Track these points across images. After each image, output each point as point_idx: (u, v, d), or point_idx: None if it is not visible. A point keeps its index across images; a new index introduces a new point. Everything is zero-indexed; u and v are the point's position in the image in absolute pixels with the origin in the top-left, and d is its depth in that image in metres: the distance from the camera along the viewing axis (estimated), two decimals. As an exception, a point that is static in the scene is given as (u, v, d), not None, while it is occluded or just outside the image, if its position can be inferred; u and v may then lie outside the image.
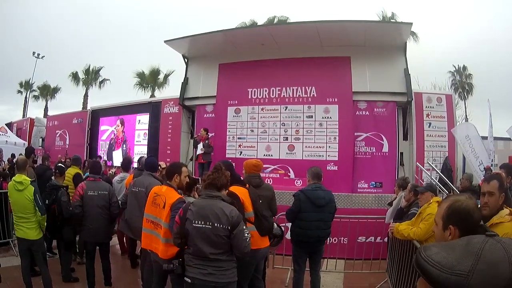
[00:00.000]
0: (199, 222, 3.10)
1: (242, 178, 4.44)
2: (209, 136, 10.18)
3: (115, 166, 12.44)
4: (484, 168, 7.93)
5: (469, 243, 1.07)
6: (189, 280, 3.16)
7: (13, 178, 4.85)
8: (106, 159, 13.60)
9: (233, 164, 4.70)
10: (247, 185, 4.28)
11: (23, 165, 5.04)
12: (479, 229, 1.66)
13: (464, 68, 29.81)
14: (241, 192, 4.05)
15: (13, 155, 12.59)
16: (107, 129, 14.21)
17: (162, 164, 5.96)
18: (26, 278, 4.83)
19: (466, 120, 25.41)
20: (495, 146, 9.65)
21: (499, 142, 12.13)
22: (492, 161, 8.28)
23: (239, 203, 3.91)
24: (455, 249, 1.06)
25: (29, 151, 7.67)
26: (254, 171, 4.49)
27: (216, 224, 3.07)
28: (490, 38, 42.45)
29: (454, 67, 29.99)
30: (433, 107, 9.61)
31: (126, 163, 7.13)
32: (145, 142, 12.64)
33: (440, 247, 1.10)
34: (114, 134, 13.94)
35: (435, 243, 1.19)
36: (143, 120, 12.92)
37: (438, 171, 8.42)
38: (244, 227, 3.19)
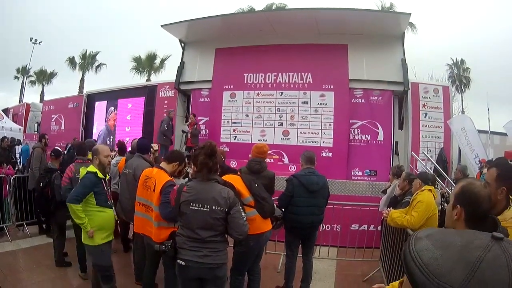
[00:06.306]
0: (197, 205, 3.06)
1: (229, 168, 4.41)
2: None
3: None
4: (479, 161, 7.93)
5: (468, 244, 0.81)
6: (183, 263, 3.11)
7: None
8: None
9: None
10: (239, 172, 4.23)
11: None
12: (487, 220, 1.65)
13: (462, 61, 29.71)
14: (234, 180, 3.97)
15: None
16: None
17: (155, 146, 5.90)
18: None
19: (463, 113, 25.38)
20: (491, 141, 9.61)
21: (495, 136, 12.07)
22: (487, 156, 8.26)
23: (235, 192, 3.87)
24: (450, 249, 0.81)
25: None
26: (256, 155, 4.38)
27: (214, 207, 3.03)
28: (489, 32, 42.39)
29: (452, 60, 29.90)
30: (429, 98, 9.57)
31: (121, 147, 7.10)
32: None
33: (434, 241, 0.85)
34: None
35: (431, 230, 0.91)
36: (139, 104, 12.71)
37: (434, 162, 8.41)
38: (240, 207, 3.17)
